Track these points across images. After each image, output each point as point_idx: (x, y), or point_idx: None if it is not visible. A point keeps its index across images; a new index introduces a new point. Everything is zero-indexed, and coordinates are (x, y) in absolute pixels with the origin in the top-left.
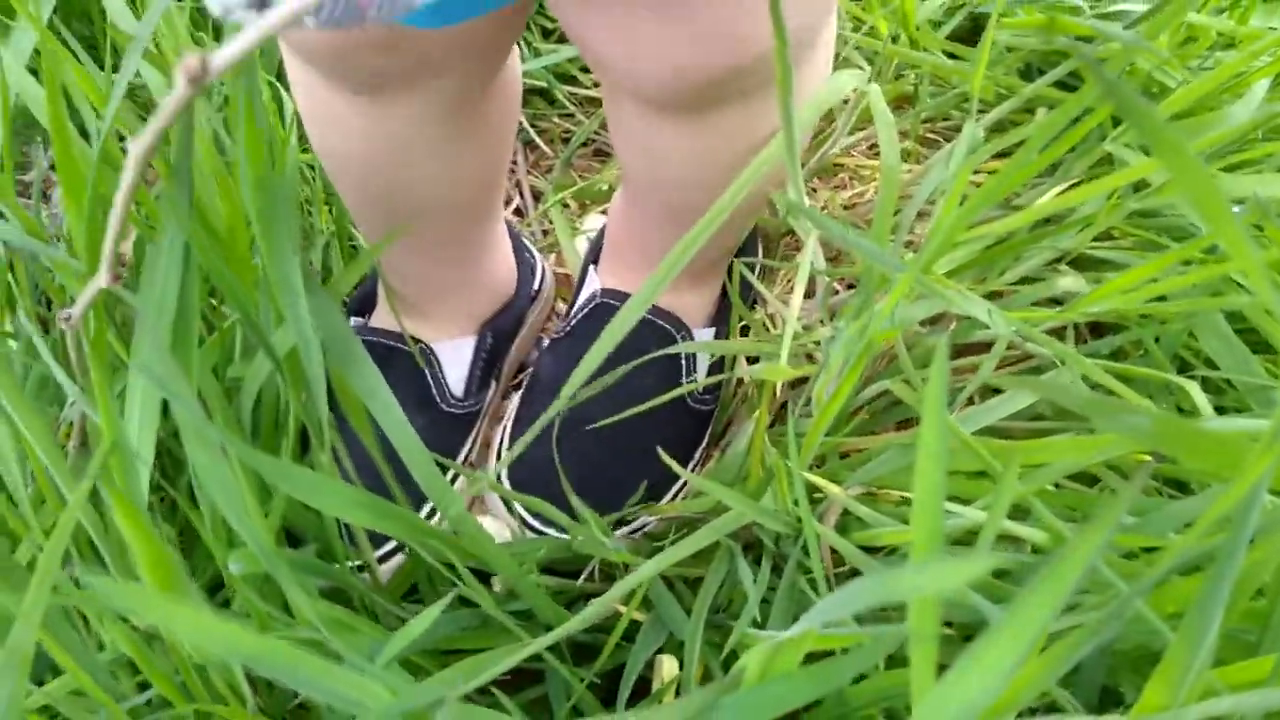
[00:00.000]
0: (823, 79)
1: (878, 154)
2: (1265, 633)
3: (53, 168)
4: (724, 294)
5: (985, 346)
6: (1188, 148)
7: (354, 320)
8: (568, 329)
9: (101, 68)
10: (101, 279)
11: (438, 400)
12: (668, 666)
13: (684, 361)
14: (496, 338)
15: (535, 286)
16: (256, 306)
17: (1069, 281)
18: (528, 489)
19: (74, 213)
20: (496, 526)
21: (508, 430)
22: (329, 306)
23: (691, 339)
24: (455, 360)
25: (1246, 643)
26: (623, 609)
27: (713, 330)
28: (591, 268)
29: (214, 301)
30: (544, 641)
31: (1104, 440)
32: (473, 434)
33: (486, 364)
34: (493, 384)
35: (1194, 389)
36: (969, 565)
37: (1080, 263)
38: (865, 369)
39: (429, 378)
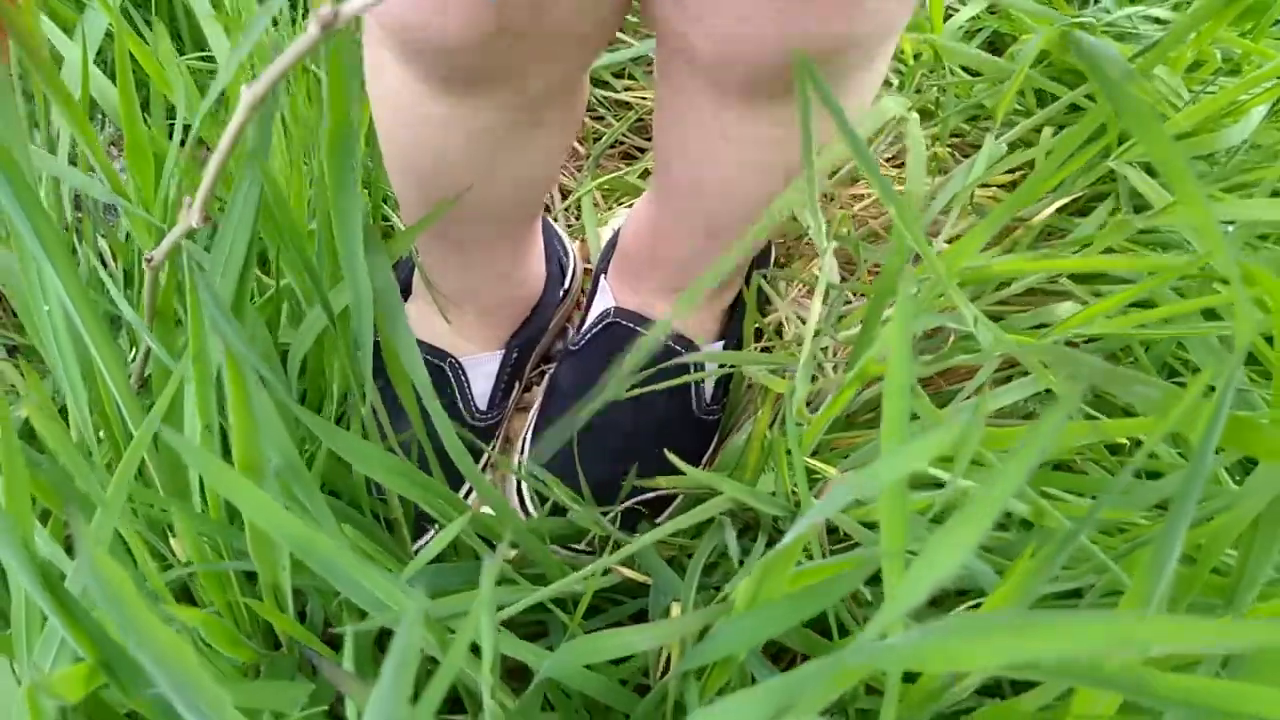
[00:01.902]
0: (874, 88)
1: (895, 163)
2: (1229, 606)
3: (114, 143)
4: (733, 303)
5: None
6: (1191, 173)
7: None
8: (583, 343)
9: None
10: (194, 218)
11: (462, 413)
12: (676, 613)
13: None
14: (523, 350)
15: (565, 286)
16: (313, 265)
17: (1067, 308)
18: (545, 496)
19: (140, 175)
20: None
21: (528, 438)
22: (383, 262)
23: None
24: (481, 375)
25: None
26: (625, 570)
27: (721, 344)
28: (603, 277)
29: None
30: (554, 589)
31: (1083, 428)
32: (495, 439)
33: (510, 376)
34: (515, 388)
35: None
36: (935, 440)
37: (1079, 275)
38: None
39: (455, 392)
